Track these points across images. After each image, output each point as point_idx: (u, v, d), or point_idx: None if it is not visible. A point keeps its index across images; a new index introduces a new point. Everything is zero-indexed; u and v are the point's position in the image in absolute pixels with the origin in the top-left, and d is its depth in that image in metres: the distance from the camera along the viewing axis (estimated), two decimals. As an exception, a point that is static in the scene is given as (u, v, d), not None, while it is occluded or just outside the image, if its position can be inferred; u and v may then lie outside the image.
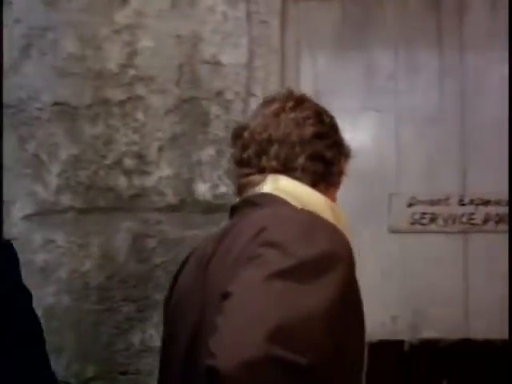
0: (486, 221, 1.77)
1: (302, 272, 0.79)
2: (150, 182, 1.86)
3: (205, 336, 0.83)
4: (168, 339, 1.06)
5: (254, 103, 1.79)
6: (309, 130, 1.01)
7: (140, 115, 1.88)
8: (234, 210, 1.05)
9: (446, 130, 1.82)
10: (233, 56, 1.81)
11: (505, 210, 1.76)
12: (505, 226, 1.76)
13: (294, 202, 0.97)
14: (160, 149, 1.86)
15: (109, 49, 1.92)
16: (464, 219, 1.77)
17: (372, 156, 1.80)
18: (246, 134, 1.03)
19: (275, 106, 1.04)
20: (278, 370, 0.71)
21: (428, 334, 1.77)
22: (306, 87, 1.82)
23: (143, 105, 1.88)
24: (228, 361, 0.72)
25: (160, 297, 1.83)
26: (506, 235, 1.75)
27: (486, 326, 1.74)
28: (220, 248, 0.94)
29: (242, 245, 0.87)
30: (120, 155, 1.89)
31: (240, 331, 0.74)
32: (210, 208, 1.82)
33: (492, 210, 1.77)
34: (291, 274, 0.78)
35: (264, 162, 1.01)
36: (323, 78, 1.82)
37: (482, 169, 1.79)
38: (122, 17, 1.93)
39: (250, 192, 1.02)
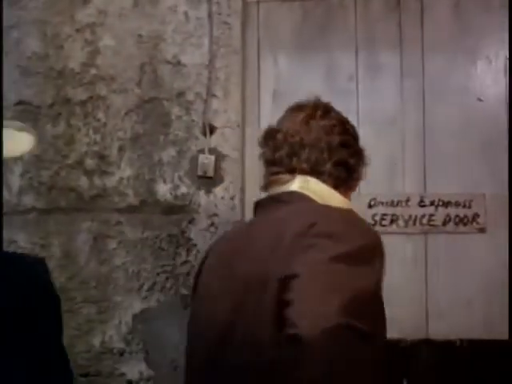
0: (445, 222, 1.77)
1: (356, 257, 0.93)
2: (111, 182, 1.84)
3: (237, 331, 0.98)
4: (194, 339, 1.15)
5: (215, 104, 1.79)
6: (336, 138, 1.12)
7: (101, 115, 1.87)
8: (258, 206, 1.16)
9: (407, 131, 1.82)
10: (194, 56, 1.80)
11: (464, 211, 1.77)
12: (464, 227, 1.77)
13: (319, 201, 1.09)
14: (121, 149, 1.84)
15: (71, 48, 1.90)
16: (424, 220, 1.77)
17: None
18: (279, 136, 1.13)
19: (306, 112, 1.15)
20: (350, 336, 0.85)
21: (389, 334, 1.76)
22: (266, 88, 1.82)
23: (104, 104, 1.86)
24: (308, 329, 0.84)
25: (120, 298, 1.81)
26: (466, 236, 1.76)
27: (447, 327, 1.75)
28: (253, 242, 1.04)
29: (293, 237, 0.97)
30: (81, 155, 1.87)
31: (316, 303, 0.86)
32: (170, 209, 1.80)
33: (452, 211, 1.77)
34: (349, 258, 0.92)
35: (295, 162, 1.11)
36: (284, 78, 1.81)
37: (443, 170, 1.80)
38: (84, 15, 1.91)
39: (278, 189, 1.12)
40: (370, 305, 0.91)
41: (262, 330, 0.95)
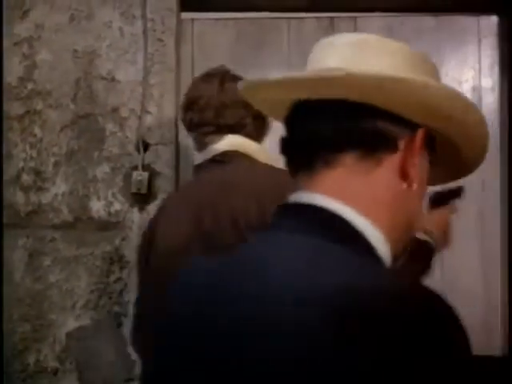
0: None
1: None
2: (46, 198, 1.83)
3: None
4: None
5: (149, 120, 1.78)
6: None
7: (37, 130, 1.85)
8: (199, 167, 1.35)
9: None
10: (128, 73, 1.79)
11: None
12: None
13: (252, 156, 1.29)
14: (56, 165, 1.83)
15: (9, 62, 1.88)
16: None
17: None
18: (201, 101, 1.32)
19: (218, 78, 1.35)
20: None
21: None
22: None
23: (41, 119, 1.85)
24: None
25: (54, 316, 1.80)
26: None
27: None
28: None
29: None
30: (18, 171, 1.85)
31: None
32: (104, 226, 1.79)
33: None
34: None
35: (222, 121, 1.31)
36: (217, 96, 1.81)
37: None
38: (22, 29, 1.89)
39: (211, 150, 1.31)
40: None
41: None
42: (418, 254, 1.20)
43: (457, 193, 1.34)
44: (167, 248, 1.26)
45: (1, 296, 1.80)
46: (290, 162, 0.72)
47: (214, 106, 1.31)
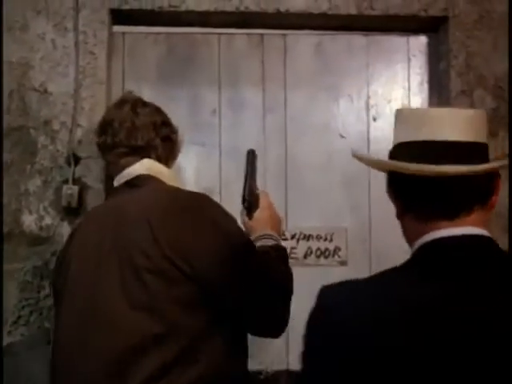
0: (307, 255, 1.81)
1: None
2: (-21, 211, 1.81)
3: None
4: None
5: (80, 133, 1.77)
6: (159, 119, 1.44)
7: (-29, 142, 1.83)
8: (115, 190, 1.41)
9: (269, 165, 1.85)
10: (60, 85, 1.78)
11: (326, 244, 1.80)
12: (325, 260, 1.80)
13: (163, 179, 1.36)
14: (-10, 178, 1.81)
15: None
16: (286, 253, 1.80)
17: (197, 190, 1.80)
18: (115, 124, 1.40)
19: (130, 103, 1.44)
20: None
21: (250, 366, 1.79)
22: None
23: (-25, 131, 1.83)
24: None
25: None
26: (327, 268, 1.80)
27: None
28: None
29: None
30: (-47, 183, 1.83)
31: None
32: (35, 240, 1.78)
33: (313, 244, 1.81)
34: None
35: (133, 142, 1.38)
36: (148, 111, 1.81)
37: (304, 204, 1.83)
38: (-42, 39, 1.87)
39: (126, 173, 1.37)
40: None
41: None
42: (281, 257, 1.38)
43: (252, 176, 1.53)
44: (75, 272, 1.30)
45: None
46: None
47: (125, 127, 1.39)
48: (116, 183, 1.40)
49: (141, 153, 1.38)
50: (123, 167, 1.38)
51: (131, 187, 1.35)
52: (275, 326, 1.30)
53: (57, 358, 1.30)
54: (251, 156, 1.54)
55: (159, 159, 1.40)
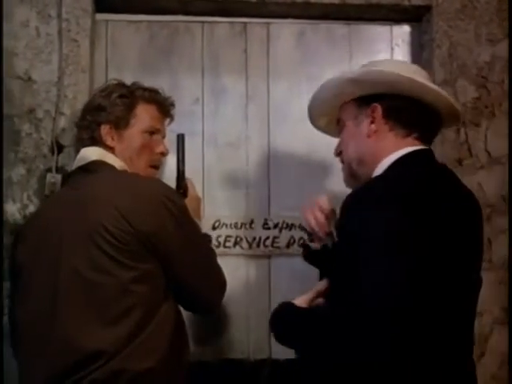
0: (289, 244, 1.81)
1: None
2: (-38, 202, 1.80)
3: None
4: None
5: (63, 122, 1.77)
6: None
7: (-45, 132, 1.82)
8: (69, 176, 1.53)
9: (251, 154, 1.85)
10: (44, 73, 1.77)
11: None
12: (306, 250, 1.80)
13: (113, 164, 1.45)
14: (-28, 167, 1.81)
15: None
16: (268, 242, 1.80)
17: (180, 178, 1.80)
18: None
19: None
20: None
21: (232, 355, 1.79)
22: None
23: (-42, 121, 1.82)
24: None
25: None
26: (309, 258, 1.79)
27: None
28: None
29: None
30: None
31: None
32: (18, 229, 1.78)
33: (295, 233, 1.81)
34: None
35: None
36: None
37: (287, 193, 1.83)
38: None
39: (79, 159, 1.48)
40: None
41: None
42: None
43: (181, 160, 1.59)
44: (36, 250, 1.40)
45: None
46: None
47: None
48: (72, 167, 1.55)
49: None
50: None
51: (85, 172, 1.44)
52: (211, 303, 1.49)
53: (26, 327, 1.37)
54: (181, 141, 1.58)
55: (106, 147, 1.50)
